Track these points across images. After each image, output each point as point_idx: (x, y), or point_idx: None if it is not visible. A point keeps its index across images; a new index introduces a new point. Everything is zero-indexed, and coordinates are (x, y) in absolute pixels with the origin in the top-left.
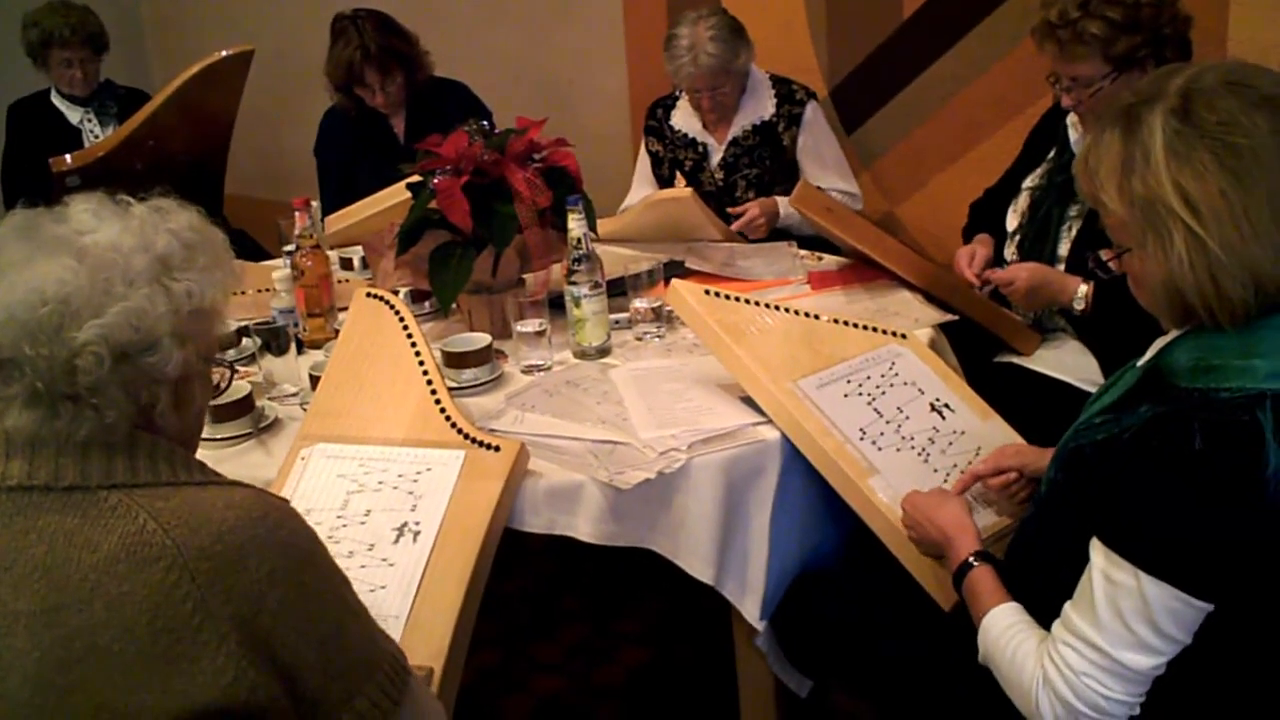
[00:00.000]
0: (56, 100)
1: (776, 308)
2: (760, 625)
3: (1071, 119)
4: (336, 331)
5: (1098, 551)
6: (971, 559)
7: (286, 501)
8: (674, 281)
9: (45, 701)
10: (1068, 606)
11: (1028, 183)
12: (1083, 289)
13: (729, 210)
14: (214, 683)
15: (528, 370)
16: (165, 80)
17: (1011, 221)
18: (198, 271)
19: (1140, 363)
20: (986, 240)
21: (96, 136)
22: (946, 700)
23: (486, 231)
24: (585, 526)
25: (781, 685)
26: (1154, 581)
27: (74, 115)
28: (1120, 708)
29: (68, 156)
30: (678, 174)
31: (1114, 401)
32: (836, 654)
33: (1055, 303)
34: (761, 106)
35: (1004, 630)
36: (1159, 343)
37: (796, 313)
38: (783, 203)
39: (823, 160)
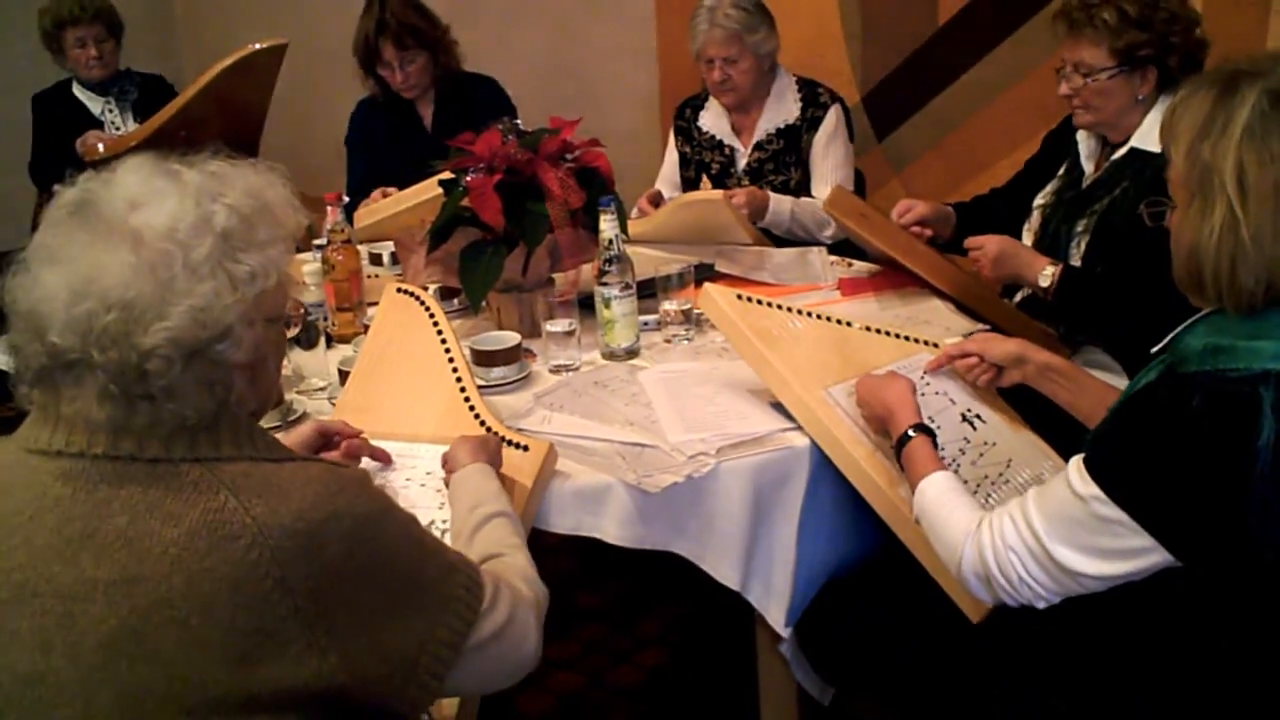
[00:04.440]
0: (78, 91)
1: (808, 314)
2: (785, 632)
3: (1080, 134)
4: (366, 326)
5: (1074, 465)
6: (910, 431)
7: (359, 470)
8: (706, 285)
9: (117, 668)
10: (1031, 491)
11: (1038, 201)
12: (1050, 270)
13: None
14: (295, 667)
15: (556, 370)
16: (196, 71)
17: (1026, 240)
18: (258, 249)
19: (1154, 349)
20: (938, 205)
21: (118, 126)
22: (972, 713)
23: (518, 230)
24: (612, 529)
25: (803, 692)
26: (1110, 505)
27: (95, 106)
28: (1030, 593)
29: (100, 145)
30: (704, 177)
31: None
32: (862, 663)
33: (1021, 276)
34: (786, 110)
35: (943, 491)
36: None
37: (828, 319)
38: (778, 202)
39: (819, 168)
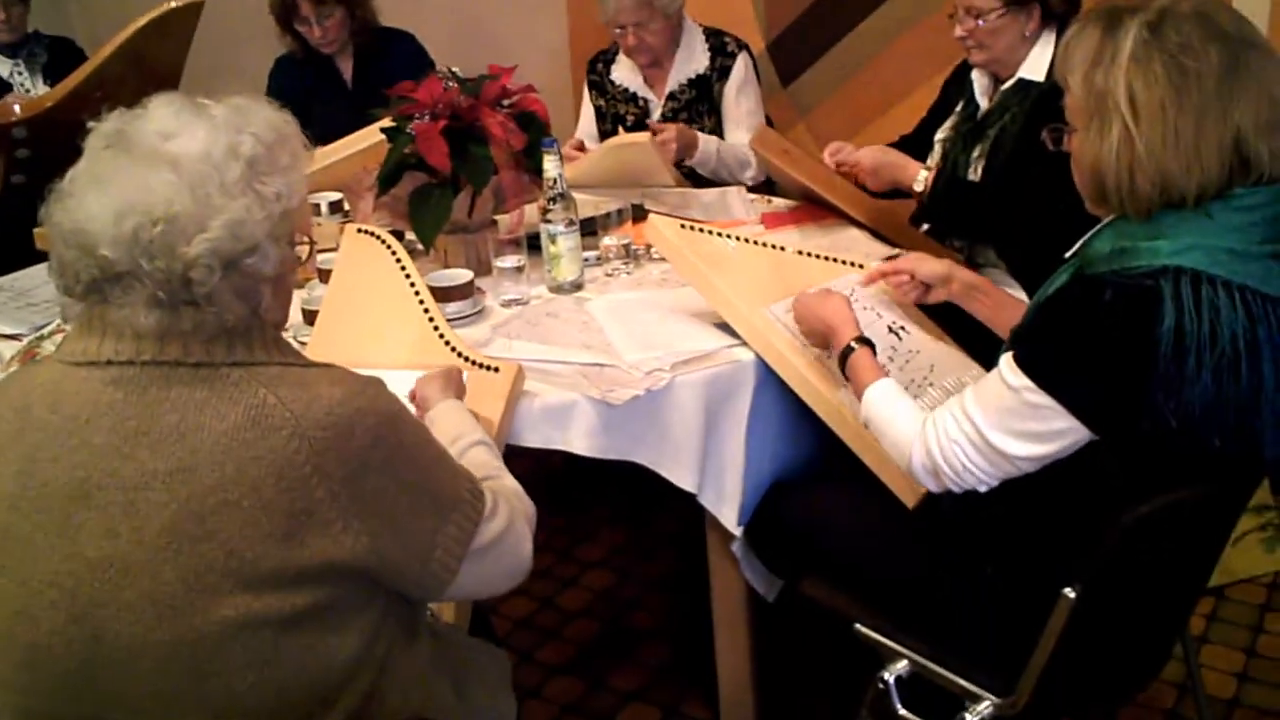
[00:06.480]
0: None
1: (745, 240)
2: (737, 531)
3: (975, 74)
4: (320, 270)
5: (1005, 361)
6: (852, 343)
7: (374, 377)
8: (651, 216)
9: (180, 547)
10: (968, 390)
11: (938, 136)
12: (923, 174)
13: (648, 124)
14: (334, 545)
15: (507, 304)
16: (86, 29)
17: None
18: (281, 172)
19: (1067, 255)
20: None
21: (27, 89)
22: (909, 589)
23: (464, 172)
24: (579, 441)
25: (752, 594)
26: (1038, 393)
27: (4, 69)
28: (973, 478)
29: (15, 106)
30: (620, 129)
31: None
32: (806, 553)
33: (897, 181)
34: (696, 60)
35: (887, 397)
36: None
37: (762, 244)
38: (706, 141)
39: (733, 114)
